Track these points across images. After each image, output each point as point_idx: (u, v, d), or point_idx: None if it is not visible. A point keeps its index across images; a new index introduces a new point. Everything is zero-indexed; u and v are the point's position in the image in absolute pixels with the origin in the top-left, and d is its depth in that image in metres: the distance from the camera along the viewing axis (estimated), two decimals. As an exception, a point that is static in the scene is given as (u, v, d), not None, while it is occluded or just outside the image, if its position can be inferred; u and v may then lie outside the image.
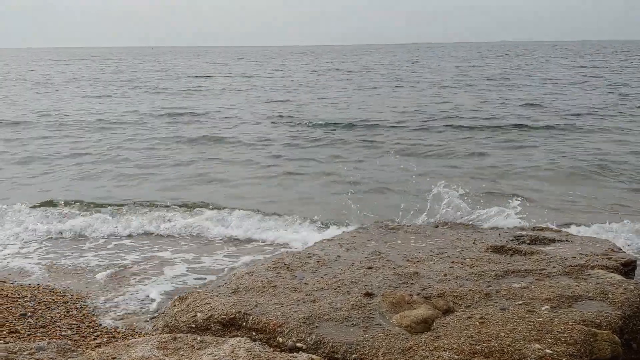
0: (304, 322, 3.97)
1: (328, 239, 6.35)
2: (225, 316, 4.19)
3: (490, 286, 4.51)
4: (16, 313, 4.96)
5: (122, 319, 5.03)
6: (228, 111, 20.86)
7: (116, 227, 7.87)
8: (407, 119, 17.89)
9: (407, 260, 5.31)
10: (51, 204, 8.99)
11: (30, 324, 4.73)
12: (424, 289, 4.49)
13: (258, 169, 11.55)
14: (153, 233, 7.74)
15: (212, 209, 8.53)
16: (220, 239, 7.55)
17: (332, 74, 43.10)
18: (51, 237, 7.64)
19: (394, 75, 39.63)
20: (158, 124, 17.96)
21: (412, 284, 4.65)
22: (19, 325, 4.68)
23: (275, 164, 12.02)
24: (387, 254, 5.54)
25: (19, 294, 5.47)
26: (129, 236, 7.68)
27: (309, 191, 9.94)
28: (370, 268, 5.08)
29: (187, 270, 6.39)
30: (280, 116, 19.05)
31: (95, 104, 23.91)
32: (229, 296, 4.53)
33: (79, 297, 5.49)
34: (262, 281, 4.84)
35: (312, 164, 12.01)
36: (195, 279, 6.13)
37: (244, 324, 4.10)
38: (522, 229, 6.65)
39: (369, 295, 4.40)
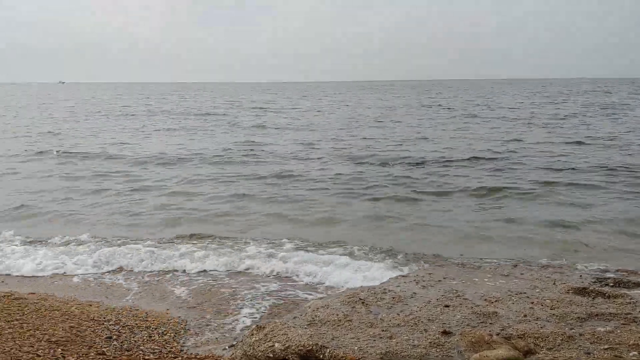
0: (381, 358, 3.98)
1: (403, 276, 6.35)
2: (302, 347, 4.24)
3: (573, 329, 4.39)
4: (102, 336, 5.21)
5: (202, 345, 5.18)
6: (298, 146, 21.19)
7: (199, 259, 8.04)
8: (480, 156, 17.66)
9: (485, 300, 5.24)
10: (135, 234, 9.43)
11: (115, 347, 4.95)
12: (503, 329, 4.42)
13: (331, 207, 11.59)
14: (236, 268, 7.84)
15: (293, 244, 8.68)
16: (297, 271, 7.61)
17: (404, 110, 43.14)
18: (138, 266, 7.93)
19: (467, 112, 39.25)
20: (233, 159, 18.40)
21: (491, 323, 4.58)
22: (105, 348, 4.91)
23: (346, 202, 12.05)
24: (464, 292, 5.48)
25: (104, 317, 5.74)
26: (213, 269, 7.80)
27: (383, 229, 9.93)
28: (447, 306, 5.04)
29: (270, 302, 6.48)
30: (351, 152, 19.18)
31: (173, 138, 24.84)
32: (305, 328, 4.59)
33: (161, 323, 5.69)
34: (337, 315, 4.88)
35: (386, 201, 11.99)
36: (277, 309, 6.21)
37: (321, 356, 4.15)
38: (605, 270, 6.44)
39: (446, 333, 4.37)
